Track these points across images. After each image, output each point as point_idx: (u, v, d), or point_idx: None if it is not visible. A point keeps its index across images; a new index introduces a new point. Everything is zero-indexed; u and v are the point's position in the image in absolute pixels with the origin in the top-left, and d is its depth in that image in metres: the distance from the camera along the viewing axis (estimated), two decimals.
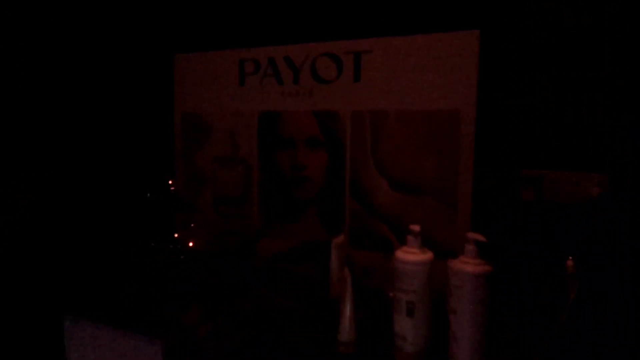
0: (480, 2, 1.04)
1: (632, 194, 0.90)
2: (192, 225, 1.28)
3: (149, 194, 1.36)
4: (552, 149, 1.00)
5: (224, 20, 1.38)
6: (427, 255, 0.83)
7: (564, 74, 0.99)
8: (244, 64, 1.34)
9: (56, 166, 1.41)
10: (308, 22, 1.24)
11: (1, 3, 1.26)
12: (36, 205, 1.36)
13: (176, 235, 1.26)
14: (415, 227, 0.83)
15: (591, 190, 0.94)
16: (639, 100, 0.92)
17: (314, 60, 1.24)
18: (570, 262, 0.84)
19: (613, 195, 0.91)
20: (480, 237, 0.77)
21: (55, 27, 1.38)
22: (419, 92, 1.11)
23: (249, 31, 1.33)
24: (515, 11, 1.02)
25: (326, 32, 1.21)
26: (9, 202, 1.32)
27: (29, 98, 1.36)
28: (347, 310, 0.87)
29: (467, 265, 0.77)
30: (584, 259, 0.85)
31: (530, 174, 1.01)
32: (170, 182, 1.29)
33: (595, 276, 0.83)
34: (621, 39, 0.93)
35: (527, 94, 1.02)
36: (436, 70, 1.09)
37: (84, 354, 1.15)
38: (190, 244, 1.24)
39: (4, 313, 1.29)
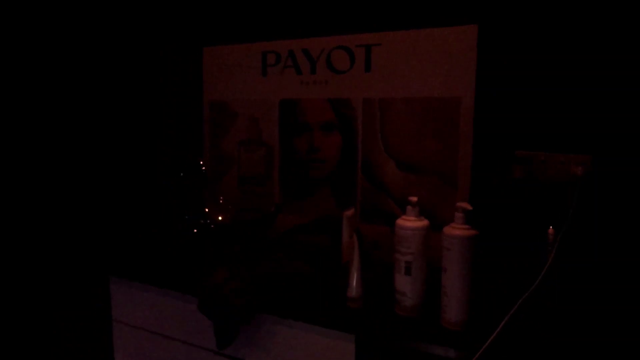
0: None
1: (608, 176, 1.01)
2: (221, 200, 1.43)
3: (181, 174, 1.52)
4: (542, 132, 1.11)
5: (247, 16, 1.51)
6: (423, 222, 0.96)
7: (553, 66, 1.09)
8: (266, 56, 1.47)
9: (103, 150, 1.58)
10: (324, 18, 1.37)
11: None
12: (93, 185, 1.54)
13: (206, 209, 1.42)
14: (413, 198, 0.96)
15: (575, 169, 1.05)
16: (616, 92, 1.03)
17: (329, 53, 1.36)
18: (550, 230, 0.97)
19: (591, 176, 1.02)
20: (467, 206, 0.90)
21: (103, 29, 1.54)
22: (423, 81, 1.23)
23: (270, 26, 1.46)
24: (512, 7, 1.12)
25: (340, 27, 1.34)
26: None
27: (85, 93, 1.53)
28: (355, 270, 1.00)
29: (456, 230, 0.90)
30: (562, 228, 0.96)
31: (522, 154, 1.13)
32: (201, 162, 1.44)
33: (570, 242, 0.95)
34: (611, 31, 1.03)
35: (520, 82, 1.12)
36: (439, 61, 1.21)
37: (127, 310, 1.32)
38: (220, 218, 1.39)
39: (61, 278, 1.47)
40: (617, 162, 1.02)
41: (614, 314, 0.90)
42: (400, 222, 0.97)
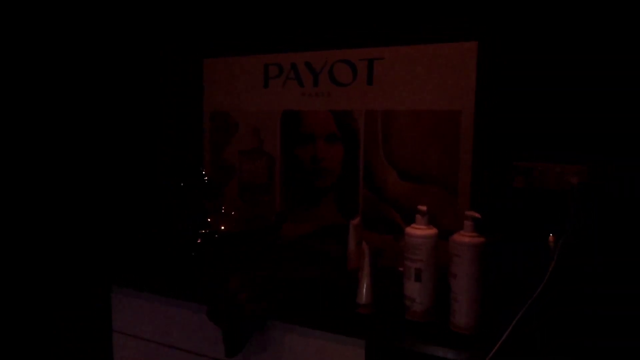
0: (478, 17, 1.20)
1: (602, 186, 1.07)
2: (223, 209, 1.44)
3: (182, 184, 1.53)
4: (540, 144, 1.17)
5: (249, 29, 1.54)
6: (432, 231, 1.00)
7: (552, 80, 1.15)
8: (268, 68, 1.50)
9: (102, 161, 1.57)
10: (327, 32, 1.40)
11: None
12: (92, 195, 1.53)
13: (209, 219, 1.43)
14: (423, 207, 1.00)
15: (571, 179, 1.11)
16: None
17: (332, 66, 1.40)
18: (551, 238, 1.01)
19: (587, 186, 1.08)
20: (476, 214, 0.94)
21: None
22: (424, 94, 1.28)
23: (272, 39, 1.50)
24: (510, 25, 1.18)
25: (343, 41, 1.38)
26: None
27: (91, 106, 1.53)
28: (365, 277, 1.03)
29: (465, 237, 0.94)
30: (563, 236, 1.01)
31: (521, 165, 1.18)
32: (203, 172, 1.45)
33: (570, 249, 1.00)
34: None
35: (519, 95, 1.18)
36: (440, 75, 1.25)
37: (128, 320, 1.31)
38: (222, 227, 1.40)
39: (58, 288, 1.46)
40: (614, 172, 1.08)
41: (619, 317, 0.94)
42: (410, 230, 1.00)
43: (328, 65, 1.41)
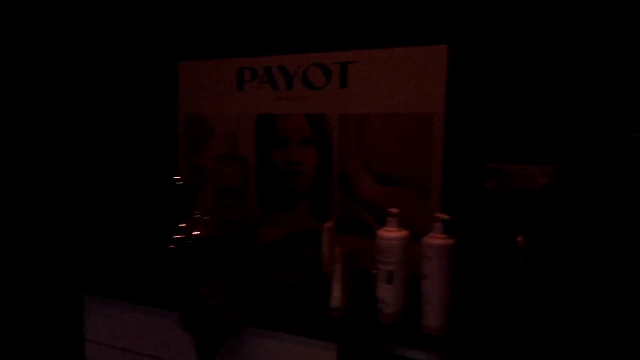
0: (448, 22, 1.21)
1: (572, 186, 1.09)
2: (198, 214, 1.43)
3: (156, 189, 1.51)
4: (511, 146, 1.18)
5: (224, 32, 1.53)
6: (403, 233, 1.00)
7: (521, 83, 1.17)
8: (243, 71, 1.49)
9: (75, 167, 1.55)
10: (301, 36, 1.40)
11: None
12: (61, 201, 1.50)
13: (183, 224, 1.41)
14: (394, 210, 1.00)
15: (541, 179, 1.12)
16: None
17: (306, 69, 1.40)
18: (520, 238, 1.02)
19: (556, 186, 1.09)
20: (445, 216, 0.94)
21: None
22: (397, 97, 1.28)
23: (246, 43, 1.49)
24: (481, 28, 1.19)
25: (316, 45, 1.38)
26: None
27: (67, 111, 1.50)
28: (338, 280, 1.03)
29: (435, 239, 0.94)
30: (532, 236, 1.02)
31: (493, 167, 1.19)
32: (178, 177, 1.44)
33: (539, 249, 1.01)
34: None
35: (490, 97, 1.19)
36: (412, 78, 1.26)
37: (101, 329, 1.29)
38: (197, 233, 1.39)
39: (30, 295, 1.43)
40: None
41: (607, 317, 0.95)
42: (381, 233, 1.01)
43: (302, 68, 1.41)
